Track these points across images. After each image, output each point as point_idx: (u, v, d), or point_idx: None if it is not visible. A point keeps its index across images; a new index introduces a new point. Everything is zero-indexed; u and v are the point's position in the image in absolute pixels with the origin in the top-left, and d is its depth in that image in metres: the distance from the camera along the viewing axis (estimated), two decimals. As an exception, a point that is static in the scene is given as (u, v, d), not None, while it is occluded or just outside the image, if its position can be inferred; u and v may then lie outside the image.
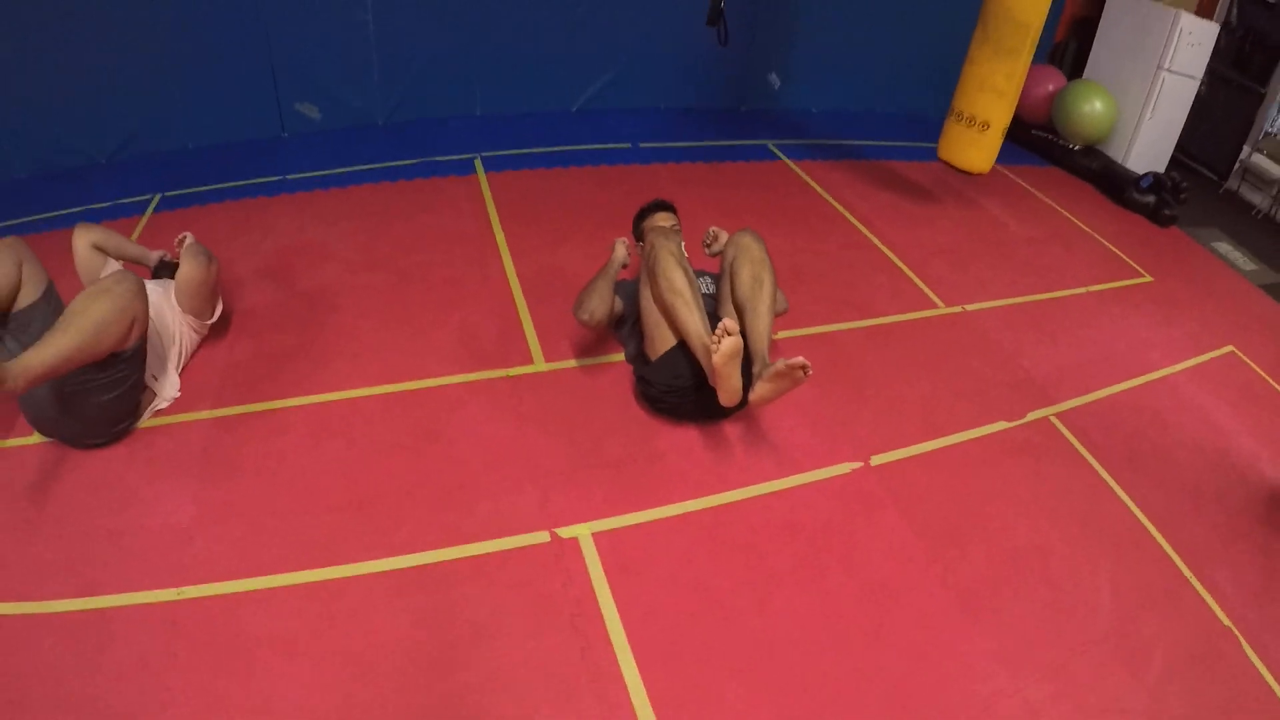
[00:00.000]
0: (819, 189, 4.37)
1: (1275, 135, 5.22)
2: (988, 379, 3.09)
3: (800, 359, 2.20)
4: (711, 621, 2.08)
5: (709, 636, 2.06)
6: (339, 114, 4.54)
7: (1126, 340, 3.52)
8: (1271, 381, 3.44)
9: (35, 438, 2.48)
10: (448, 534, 2.23)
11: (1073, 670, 2.12)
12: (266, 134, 4.48)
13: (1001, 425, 2.89)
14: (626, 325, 2.71)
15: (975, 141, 3.98)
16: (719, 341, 2.16)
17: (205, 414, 2.58)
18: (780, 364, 2.22)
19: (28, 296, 2.46)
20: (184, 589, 2.08)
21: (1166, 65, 4.87)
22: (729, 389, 2.23)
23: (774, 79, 5.09)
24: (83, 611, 2.03)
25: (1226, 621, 2.32)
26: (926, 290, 3.57)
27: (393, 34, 4.37)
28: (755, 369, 2.33)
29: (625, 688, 1.92)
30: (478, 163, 4.24)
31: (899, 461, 2.65)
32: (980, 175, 4.11)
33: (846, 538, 2.34)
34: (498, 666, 1.94)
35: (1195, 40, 4.76)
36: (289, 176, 4.05)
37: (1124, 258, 4.22)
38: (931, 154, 4.35)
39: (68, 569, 2.13)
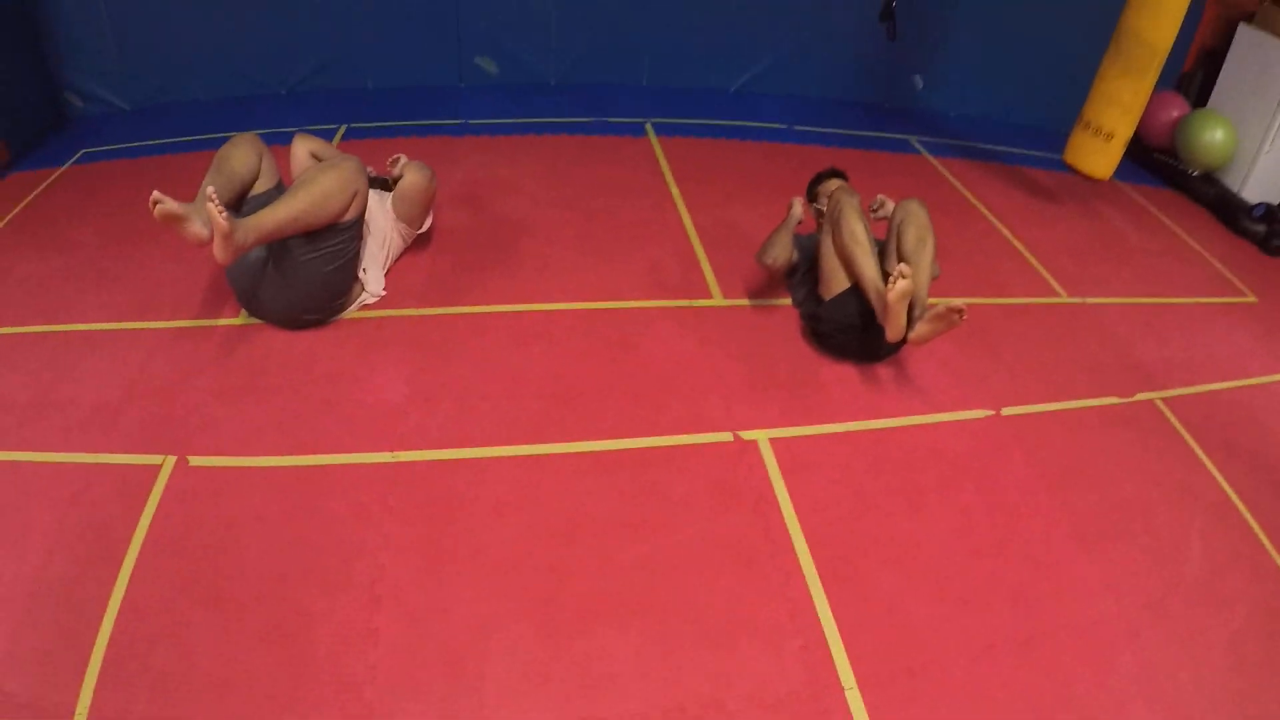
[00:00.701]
0: (956, 183, 4.83)
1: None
2: (1103, 361, 3.54)
3: (959, 302, 2.66)
4: (869, 519, 2.55)
5: (867, 530, 2.51)
6: (515, 71, 5.10)
7: (1229, 348, 3.94)
8: None
9: (242, 318, 3.01)
10: (643, 426, 2.71)
11: (1168, 605, 2.51)
12: (445, 83, 5.04)
13: (1113, 400, 3.33)
14: (798, 273, 3.17)
15: (1099, 149, 4.44)
16: (895, 283, 2.62)
17: (411, 311, 3.09)
18: (940, 306, 2.69)
19: (264, 185, 2.92)
20: (399, 453, 2.52)
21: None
22: (897, 325, 2.72)
23: (918, 80, 5.55)
24: (299, 467, 2.46)
25: None
26: (1052, 280, 4.03)
27: (574, 1, 4.87)
28: (915, 313, 2.80)
29: (799, 563, 2.36)
30: (648, 127, 4.78)
31: (1025, 415, 3.12)
32: (1100, 182, 4.60)
33: (980, 468, 2.83)
34: (688, 537, 2.38)
35: (1317, 78, 4.96)
36: (470, 121, 4.60)
37: (1232, 278, 4.62)
38: (1059, 164, 4.76)
39: (283, 431, 2.58)
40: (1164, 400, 3.40)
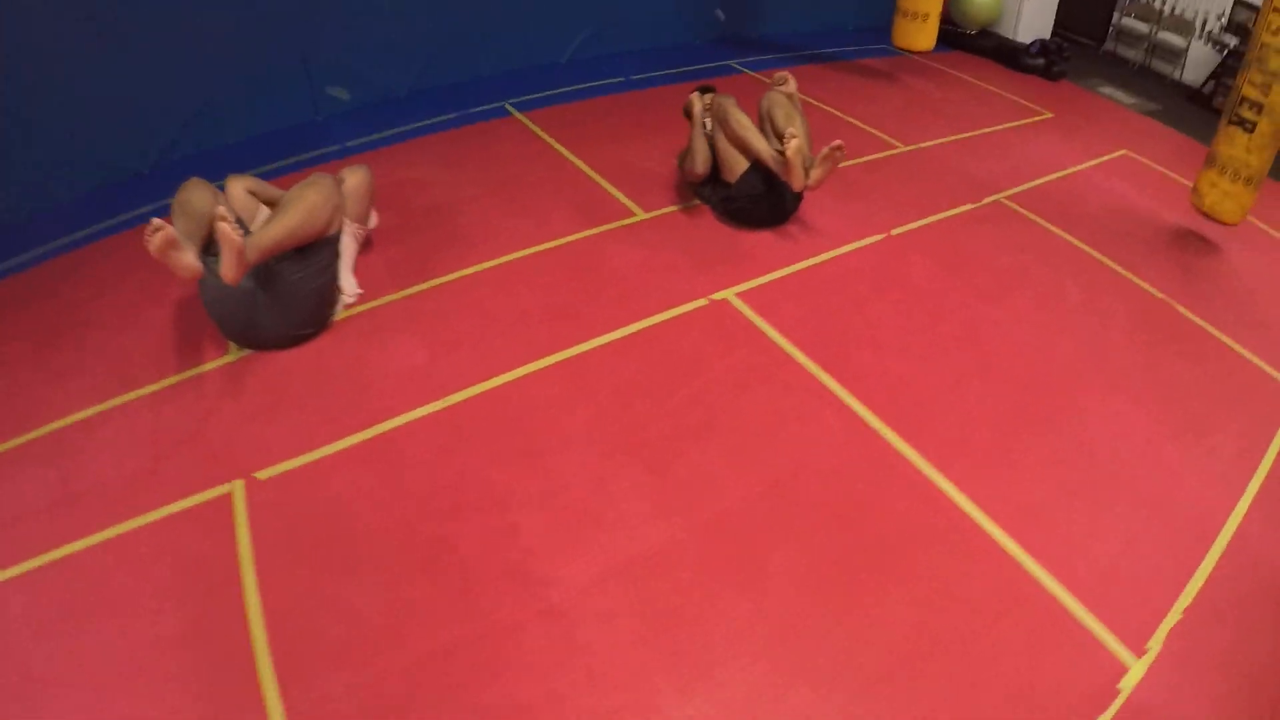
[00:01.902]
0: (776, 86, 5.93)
1: (1140, 0, 7.11)
2: (950, 184, 4.74)
3: (837, 141, 3.69)
4: (834, 324, 3.56)
5: (835, 332, 3.51)
6: (366, 91, 5.80)
7: (1042, 153, 5.27)
8: (1156, 167, 5.24)
9: (234, 353, 3.51)
10: (636, 313, 3.55)
11: (1068, 322, 3.74)
12: (303, 119, 5.66)
13: (969, 206, 4.52)
14: (709, 184, 4.18)
15: (920, 29, 5.95)
16: (789, 143, 3.65)
17: (392, 296, 3.73)
18: (824, 150, 3.70)
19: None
20: (450, 397, 3.19)
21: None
22: (798, 176, 3.74)
23: (719, 14, 6.76)
24: (366, 441, 2.99)
25: (1160, 295, 3.92)
26: (887, 138, 5.25)
27: (409, 13, 5.71)
28: (806, 165, 3.78)
29: (803, 366, 3.32)
30: (509, 106, 5.64)
31: (910, 231, 4.23)
32: (921, 55, 6.15)
33: (893, 271, 3.90)
34: (717, 373, 3.26)
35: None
36: (349, 143, 5.29)
37: (1027, 104, 6.06)
38: (868, 52, 6.47)
39: (333, 421, 3.08)
40: (1007, 198, 4.63)
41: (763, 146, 3.83)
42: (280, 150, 5.31)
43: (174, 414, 3.26)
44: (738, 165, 3.96)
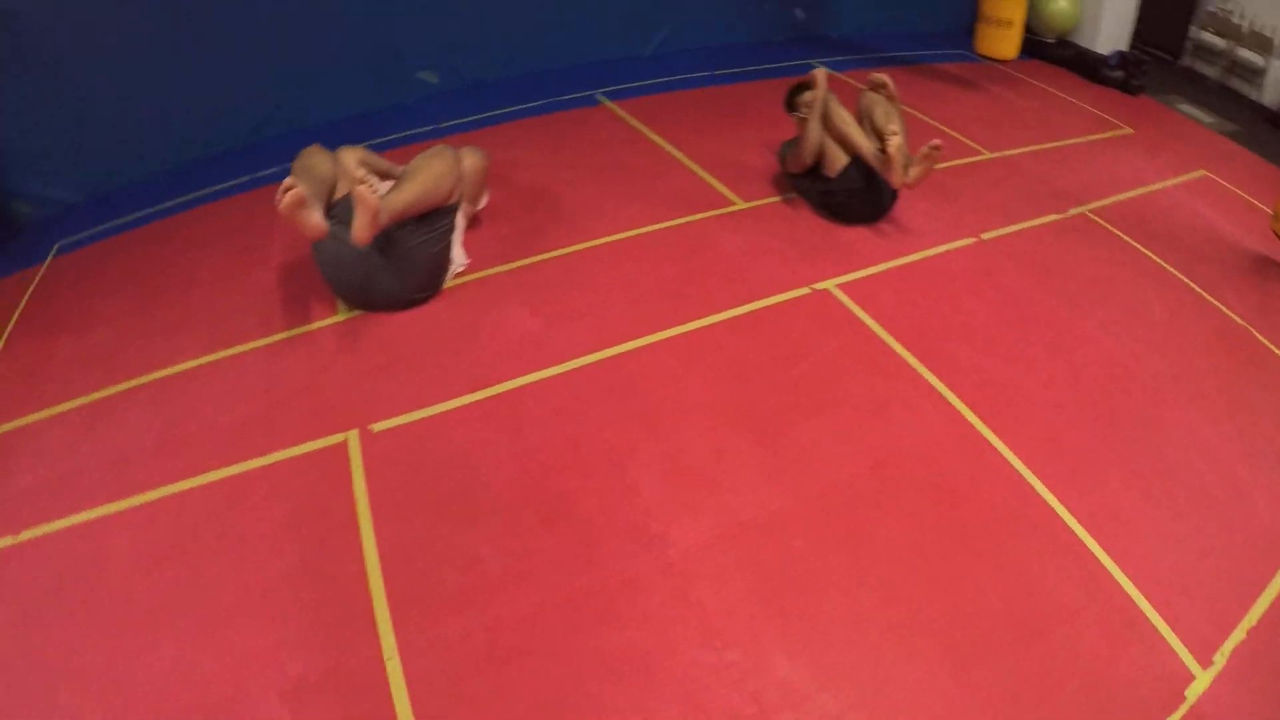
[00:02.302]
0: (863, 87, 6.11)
1: (1217, 14, 7.15)
2: (1035, 192, 4.88)
3: (935, 141, 3.87)
4: (932, 321, 3.72)
5: (934, 328, 3.66)
6: (454, 78, 6.07)
7: (1123, 168, 5.39)
8: (1235, 190, 5.33)
9: (343, 313, 3.69)
10: (743, 296, 3.74)
11: (1152, 337, 3.86)
12: (393, 102, 5.89)
13: (1054, 216, 4.66)
14: (808, 177, 4.38)
15: (1003, 36, 6.12)
16: (890, 140, 3.83)
17: (502, 267, 3.94)
18: (924, 149, 3.89)
19: (343, 189, 3.61)
20: (567, 363, 3.37)
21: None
22: (898, 173, 3.91)
23: (799, 12, 6.97)
24: (485, 400, 3.20)
25: (1240, 321, 4.02)
26: (973, 144, 5.40)
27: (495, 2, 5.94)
28: (903, 163, 3.95)
29: (902, 356, 3.48)
30: (599, 96, 5.85)
31: (999, 237, 4.40)
32: (1006, 62, 6.26)
33: (984, 274, 4.08)
34: (823, 357, 3.45)
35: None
36: (441, 125, 5.51)
37: (1107, 118, 6.18)
38: (948, 56, 6.61)
39: (450, 380, 3.26)
40: (1092, 211, 4.76)
41: (864, 142, 4.04)
42: (370, 131, 5.49)
43: (286, 367, 3.43)
44: (838, 160, 4.16)
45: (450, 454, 3.01)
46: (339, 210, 3.50)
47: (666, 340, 3.52)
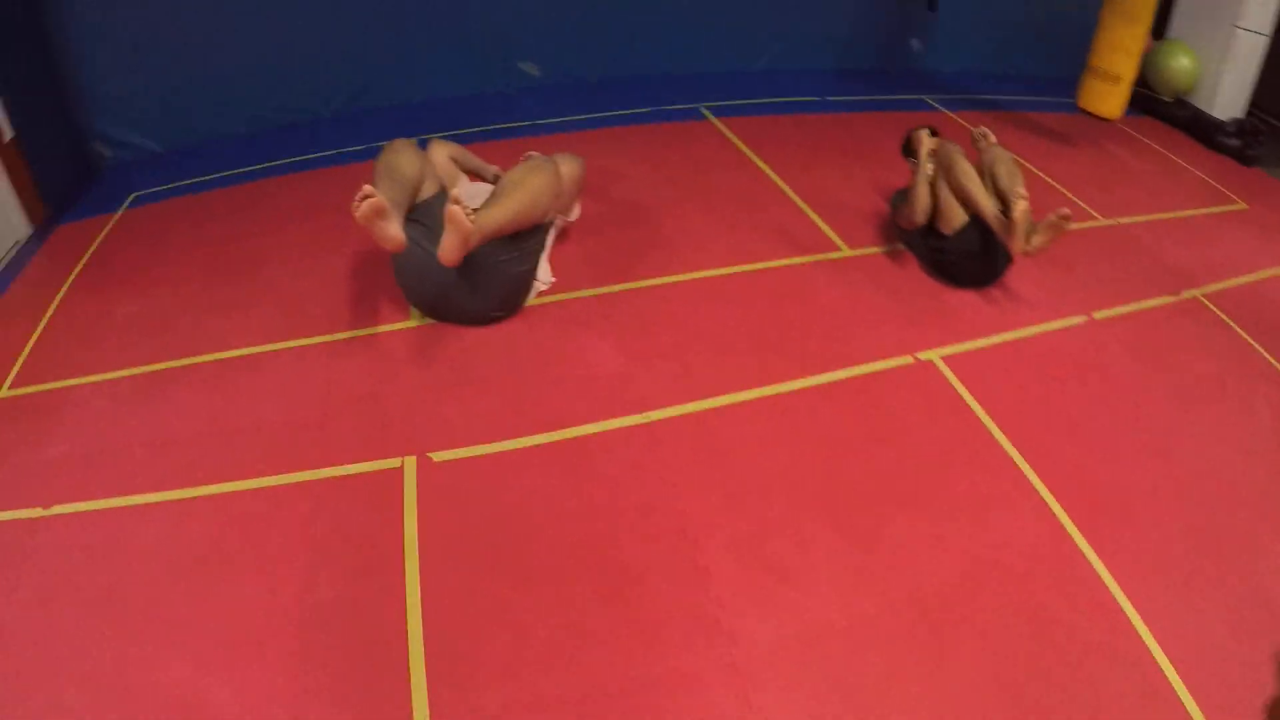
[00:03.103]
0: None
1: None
2: (1147, 268, 4.33)
3: (1064, 210, 3.34)
4: (1040, 409, 3.20)
5: (1041, 417, 3.16)
6: (555, 72, 5.62)
7: (1238, 248, 4.81)
8: None
9: (415, 319, 3.32)
10: (840, 359, 3.25)
11: (1253, 444, 3.28)
12: (491, 89, 5.50)
13: (1167, 299, 4.10)
14: (920, 231, 3.90)
15: (1110, 92, 5.39)
16: (1017, 204, 3.33)
17: (588, 291, 3.50)
18: (1050, 216, 3.37)
19: (429, 189, 3.20)
20: (648, 413, 2.94)
21: (1240, 24, 6.10)
22: (1019, 241, 3.41)
23: (915, 44, 6.31)
24: (555, 443, 2.78)
25: None
26: (1086, 207, 4.86)
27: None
28: (1027, 230, 3.44)
29: (1004, 450, 2.98)
30: (704, 110, 5.35)
31: (1109, 317, 3.84)
32: (1111, 121, 5.53)
33: (1094, 360, 3.53)
34: (916, 441, 2.96)
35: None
36: (539, 121, 5.06)
37: (1221, 189, 5.56)
38: (1056, 105, 5.87)
39: (521, 413, 2.88)
40: (1205, 295, 4.20)
41: (987, 204, 3.54)
42: (465, 117, 5.12)
43: (348, 370, 3.09)
44: (955, 217, 3.67)
45: (512, 501, 2.63)
46: (422, 213, 3.11)
47: (757, 400, 3.07)
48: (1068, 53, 6.49)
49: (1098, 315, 3.84)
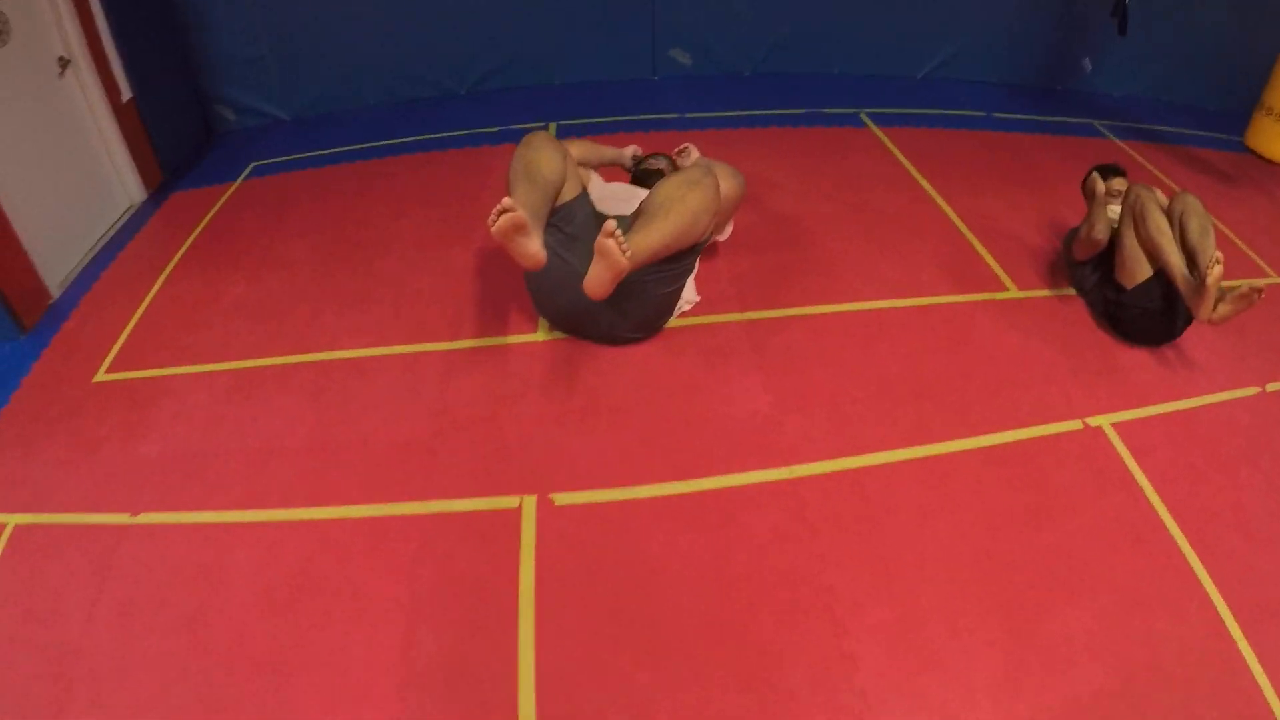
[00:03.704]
0: (1151, 168, 4.91)
1: None
2: None
3: (1260, 283, 2.80)
4: (1211, 491, 2.66)
5: (1213, 501, 2.61)
6: (708, 63, 5.07)
7: None
8: None
9: (543, 332, 2.90)
10: (1004, 419, 2.77)
11: None
12: (638, 76, 4.99)
13: None
14: (1090, 262, 3.31)
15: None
16: (1213, 268, 2.77)
17: (736, 315, 3.05)
18: (1243, 286, 2.82)
19: (570, 191, 2.70)
20: (794, 467, 2.49)
21: None
22: (1207, 308, 2.87)
23: (1087, 63, 5.61)
24: (693, 494, 2.38)
25: None
26: (1262, 263, 4.14)
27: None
28: (1216, 297, 2.89)
29: (1172, 537, 2.49)
30: (864, 116, 4.75)
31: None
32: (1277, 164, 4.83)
33: (1269, 440, 2.94)
34: (1083, 522, 2.48)
35: None
36: (687, 114, 4.55)
37: None
38: (1222, 143, 5.10)
39: (656, 455, 2.49)
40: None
41: (1178, 262, 3.01)
42: (610, 104, 4.65)
43: (467, 387, 2.70)
44: (1139, 270, 3.14)
45: (641, 558, 2.22)
46: (561, 217, 2.66)
47: (914, 462, 2.59)
48: (1238, 87, 5.75)
49: (1270, 388, 3.23)
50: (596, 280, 2.33)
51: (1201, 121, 5.72)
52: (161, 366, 2.86)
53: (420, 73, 4.62)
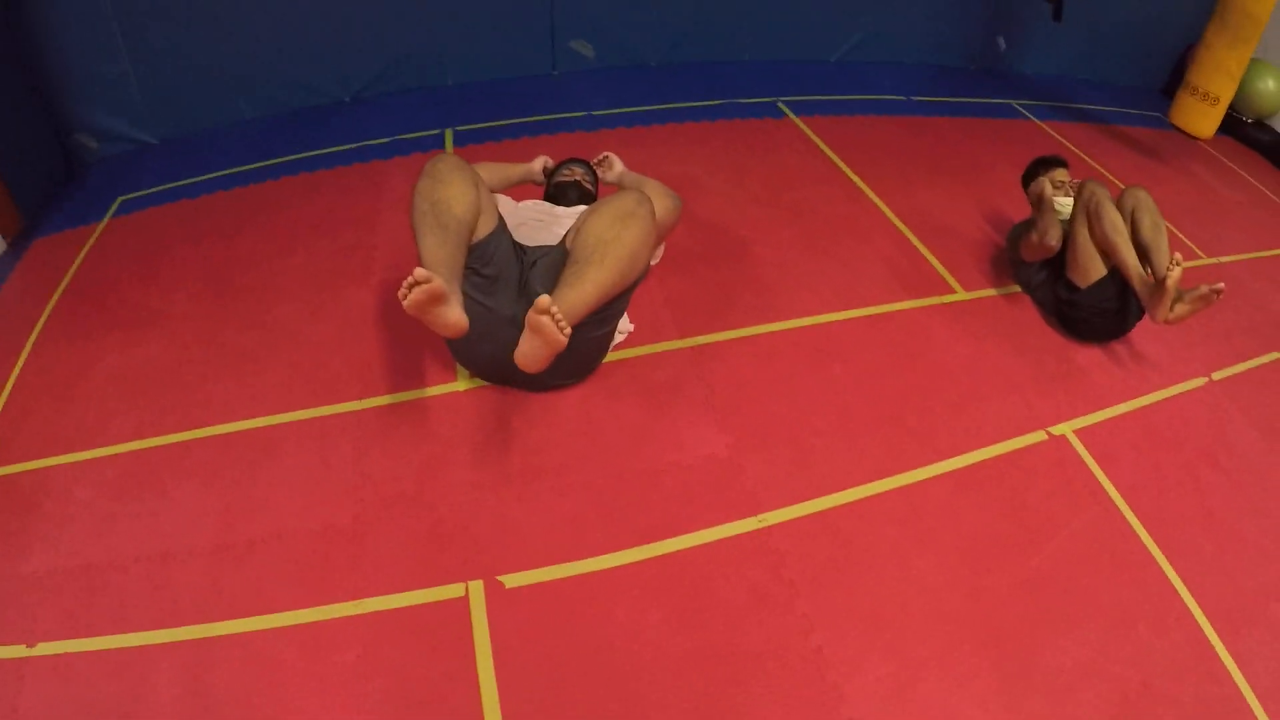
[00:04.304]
0: (1075, 149, 4.81)
1: None
2: (1254, 316, 3.59)
3: (1219, 284, 2.67)
4: (1177, 493, 2.57)
5: (1171, 500, 2.54)
6: (612, 53, 4.65)
7: None
8: None
9: (465, 381, 2.55)
10: (973, 436, 2.58)
11: None
12: (537, 71, 4.56)
13: (1275, 355, 3.37)
14: (1042, 271, 3.07)
15: (1205, 112, 4.81)
16: (1173, 269, 2.64)
17: (675, 344, 2.75)
18: (1202, 288, 2.69)
19: (486, 226, 2.28)
20: (763, 515, 2.24)
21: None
22: (1163, 309, 2.74)
23: (1001, 41, 5.37)
24: (657, 558, 2.12)
25: None
26: (1189, 243, 4.10)
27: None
28: (1174, 298, 2.76)
29: (1147, 549, 2.38)
30: (782, 105, 4.45)
31: (1230, 377, 3.16)
32: (1198, 140, 4.95)
33: (1221, 432, 2.88)
34: (1061, 543, 2.33)
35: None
36: (594, 112, 4.18)
37: None
38: (1145, 120, 5.22)
39: (613, 519, 2.20)
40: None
41: (1134, 262, 2.89)
42: (509, 104, 4.22)
43: (385, 455, 2.34)
44: (1093, 269, 2.99)
45: (610, 641, 1.93)
46: (478, 258, 2.24)
47: (885, 495, 2.37)
48: (1154, 65, 5.82)
49: (1216, 376, 3.18)
50: (532, 357, 1.98)
51: (1119, 99, 5.70)
52: (38, 458, 2.40)
53: (300, 79, 4.09)
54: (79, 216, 3.45)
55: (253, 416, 2.47)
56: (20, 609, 2.03)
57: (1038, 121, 5.07)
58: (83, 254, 3.23)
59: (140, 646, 1.94)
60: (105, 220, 3.43)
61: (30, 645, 1.96)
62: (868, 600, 2.09)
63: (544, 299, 1.89)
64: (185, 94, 3.89)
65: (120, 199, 3.55)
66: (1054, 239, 3.01)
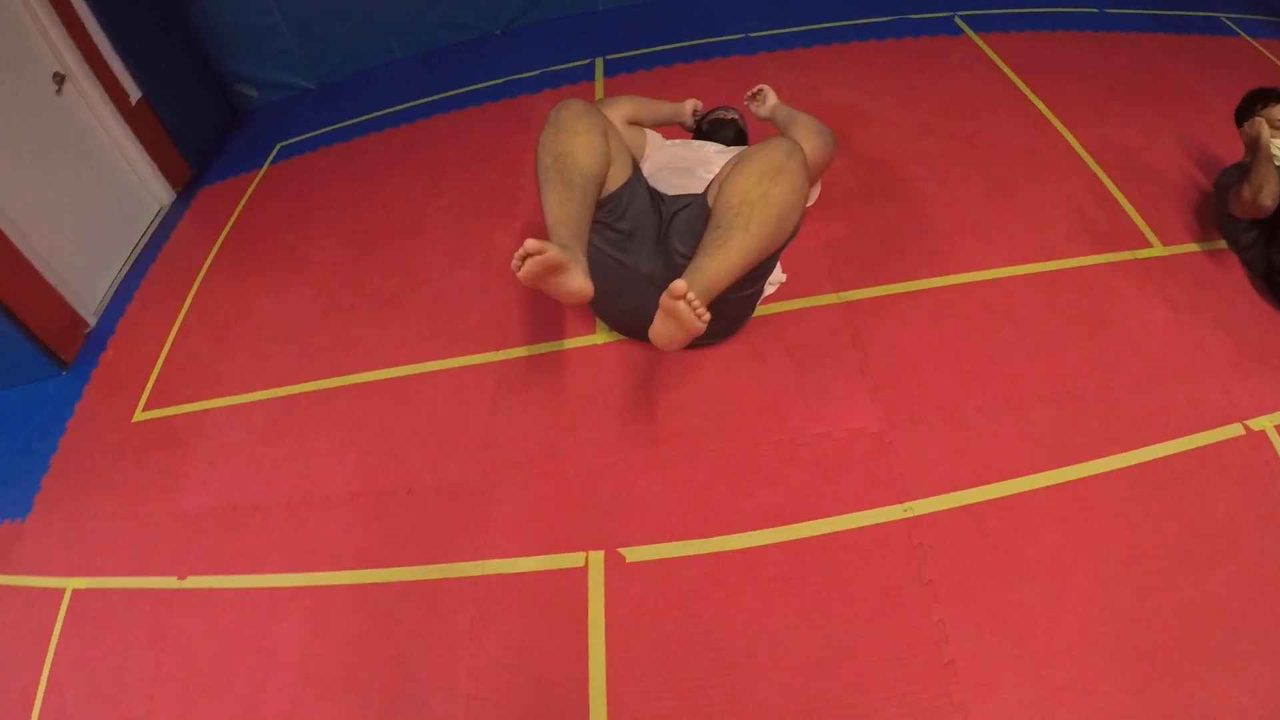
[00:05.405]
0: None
1: None
2: None
3: None
4: None
5: None
6: None
7: None
8: None
9: (600, 335, 2.36)
10: (1158, 425, 2.14)
11: None
12: None
13: None
14: (1256, 230, 2.46)
15: None
16: None
17: (829, 298, 2.44)
18: None
19: (619, 175, 2.04)
20: (909, 504, 1.97)
21: None
22: None
23: None
24: (791, 542, 1.91)
25: None
26: None
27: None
28: None
29: None
30: (959, 21, 3.87)
31: None
32: None
33: None
34: (1247, 560, 1.87)
35: None
36: (751, 35, 3.79)
37: None
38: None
39: (744, 495, 2.00)
40: None
41: None
42: (663, 30, 3.87)
43: (518, 411, 2.22)
44: None
45: (729, 628, 1.79)
46: (610, 212, 2.03)
47: (1051, 490, 2.00)
48: None
49: None
50: (667, 339, 1.77)
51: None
52: (196, 400, 2.54)
53: (448, 16, 3.97)
54: (241, 164, 3.56)
55: (393, 365, 2.47)
56: (174, 543, 2.18)
57: (1249, 39, 4.16)
58: (243, 200, 3.33)
59: (273, 589, 2.02)
60: (264, 168, 3.52)
61: (181, 578, 2.09)
62: (1014, 614, 1.81)
63: (679, 284, 1.68)
64: (335, 39, 3.89)
65: (279, 145, 3.63)
66: (1269, 198, 2.41)
